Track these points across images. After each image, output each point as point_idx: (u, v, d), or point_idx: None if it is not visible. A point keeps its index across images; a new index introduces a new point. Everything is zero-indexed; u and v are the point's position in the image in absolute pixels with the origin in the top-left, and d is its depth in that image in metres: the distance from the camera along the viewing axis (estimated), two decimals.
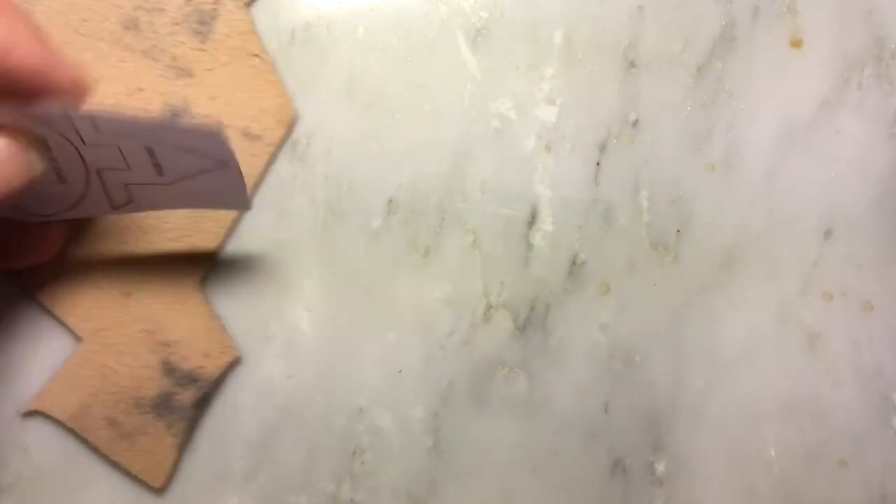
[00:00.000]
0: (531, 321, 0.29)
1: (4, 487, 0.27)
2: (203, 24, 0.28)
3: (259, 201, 0.28)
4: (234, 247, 0.28)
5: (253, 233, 0.28)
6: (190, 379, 0.27)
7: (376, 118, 0.29)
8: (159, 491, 0.27)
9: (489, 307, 0.29)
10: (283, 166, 0.28)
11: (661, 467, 0.29)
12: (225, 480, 0.28)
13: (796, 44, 0.29)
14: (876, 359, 0.29)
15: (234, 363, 0.28)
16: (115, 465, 0.27)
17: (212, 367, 0.27)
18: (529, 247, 0.29)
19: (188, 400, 0.27)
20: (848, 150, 0.29)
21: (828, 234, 0.29)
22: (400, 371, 0.29)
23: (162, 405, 0.27)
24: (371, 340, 0.28)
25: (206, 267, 0.28)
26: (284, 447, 0.28)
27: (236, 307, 0.28)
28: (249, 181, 0.28)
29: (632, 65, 0.29)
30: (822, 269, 0.29)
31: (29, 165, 0.21)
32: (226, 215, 0.28)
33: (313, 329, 0.28)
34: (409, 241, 0.29)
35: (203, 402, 0.27)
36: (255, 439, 0.28)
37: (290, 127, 0.28)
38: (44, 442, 0.27)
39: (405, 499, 0.28)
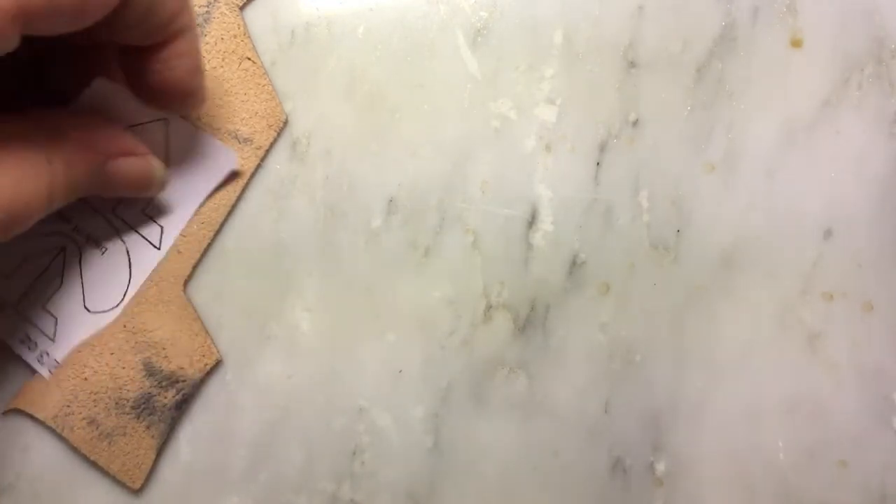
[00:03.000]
0: (531, 321, 0.29)
1: (4, 487, 0.27)
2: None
3: (259, 201, 0.28)
4: (235, 246, 0.28)
5: (253, 233, 0.28)
6: (171, 381, 0.27)
7: (376, 118, 0.29)
8: (140, 492, 0.27)
9: (489, 307, 0.29)
10: (283, 166, 0.28)
11: (661, 467, 0.29)
12: (225, 480, 0.28)
13: (796, 44, 0.29)
14: (876, 359, 0.29)
15: (216, 366, 0.28)
16: (94, 465, 0.27)
17: (193, 370, 0.27)
18: (529, 247, 0.29)
19: (168, 401, 0.27)
20: (848, 150, 0.29)
21: (828, 234, 0.29)
22: (400, 371, 0.29)
23: (142, 406, 0.27)
24: (371, 340, 0.28)
25: (191, 268, 0.28)
26: (284, 447, 0.28)
27: (236, 307, 0.28)
28: (238, 184, 0.28)
29: (632, 65, 0.29)
30: (822, 269, 0.29)
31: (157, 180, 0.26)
32: (213, 219, 0.28)
33: (313, 329, 0.28)
34: (409, 241, 0.29)
35: (183, 404, 0.27)
36: (255, 439, 0.28)
37: (281, 131, 0.28)
38: (44, 442, 0.27)
39: (405, 499, 0.28)
